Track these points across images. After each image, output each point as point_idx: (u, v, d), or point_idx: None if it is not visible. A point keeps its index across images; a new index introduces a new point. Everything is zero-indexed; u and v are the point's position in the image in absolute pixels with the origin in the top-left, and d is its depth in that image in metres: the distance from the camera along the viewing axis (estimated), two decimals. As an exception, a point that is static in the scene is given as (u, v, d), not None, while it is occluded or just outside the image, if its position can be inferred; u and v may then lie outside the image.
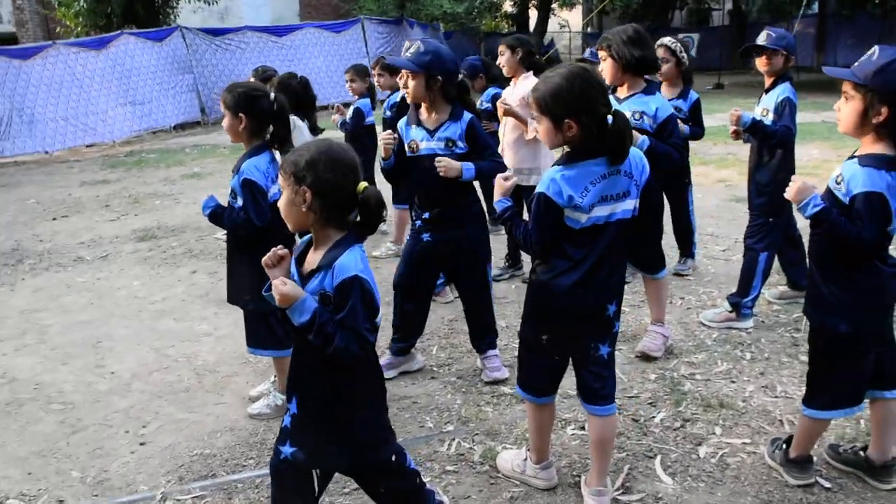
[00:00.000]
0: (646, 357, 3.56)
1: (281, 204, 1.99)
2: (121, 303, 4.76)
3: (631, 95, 3.41)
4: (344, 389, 1.95)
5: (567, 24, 25.06)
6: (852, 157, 2.28)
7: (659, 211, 3.66)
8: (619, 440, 2.85)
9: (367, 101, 5.66)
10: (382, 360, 3.45)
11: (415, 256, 3.43)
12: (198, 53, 15.53)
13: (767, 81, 3.79)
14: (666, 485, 2.58)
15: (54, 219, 7.30)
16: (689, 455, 2.75)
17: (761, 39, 3.70)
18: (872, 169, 2.18)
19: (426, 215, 3.35)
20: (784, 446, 2.61)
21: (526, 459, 2.63)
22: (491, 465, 2.73)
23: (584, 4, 24.22)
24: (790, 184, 2.33)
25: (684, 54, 4.45)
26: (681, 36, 3.85)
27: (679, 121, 3.88)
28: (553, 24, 24.73)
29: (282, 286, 1.83)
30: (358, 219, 1.97)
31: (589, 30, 27.22)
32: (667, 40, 4.52)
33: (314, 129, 4.55)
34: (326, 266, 1.88)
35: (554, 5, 21.19)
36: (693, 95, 4.53)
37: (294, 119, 4.44)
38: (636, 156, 2.33)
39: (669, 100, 4.49)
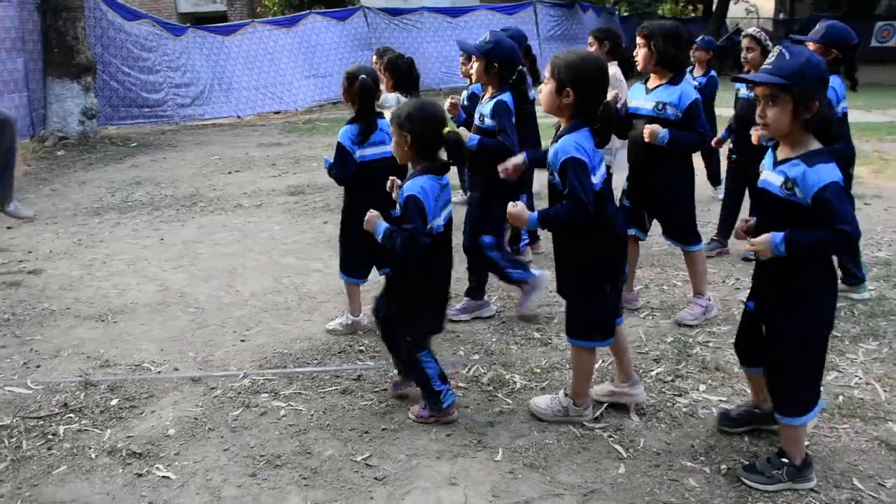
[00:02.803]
0: (679, 324, 3.92)
1: (392, 144, 2.95)
2: (259, 241, 5.79)
3: (658, 86, 3.76)
4: (401, 282, 2.98)
5: (755, 9, 23.77)
6: (785, 161, 2.38)
7: (678, 186, 3.86)
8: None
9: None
10: (458, 305, 4.11)
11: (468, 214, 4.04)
12: (377, 32, 16.84)
13: None
14: (632, 421, 3.01)
15: (229, 173, 8.66)
16: (666, 403, 3.15)
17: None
18: (823, 164, 2.28)
19: (467, 175, 3.98)
20: None
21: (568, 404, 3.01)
22: (495, 387, 3.30)
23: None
24: (758, 244, 2.36)
25: (769, 43, 4.64)
26: (880, 24, 4.07)
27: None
28: (740, 10, 23.61)
29: (367, 217, 2.87)
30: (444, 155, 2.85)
31: (781, 16, 25.64)
32: (752, 30, 4.76)
33: None
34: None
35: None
36: None
37: (398, 96, 5.14)
38: None
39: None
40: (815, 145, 2.38)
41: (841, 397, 3.16)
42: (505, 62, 3.72)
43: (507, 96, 3.75)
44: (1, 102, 9.68)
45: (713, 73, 6.27)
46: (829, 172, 2.28)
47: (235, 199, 7.25)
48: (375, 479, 2.67)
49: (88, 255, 5.49)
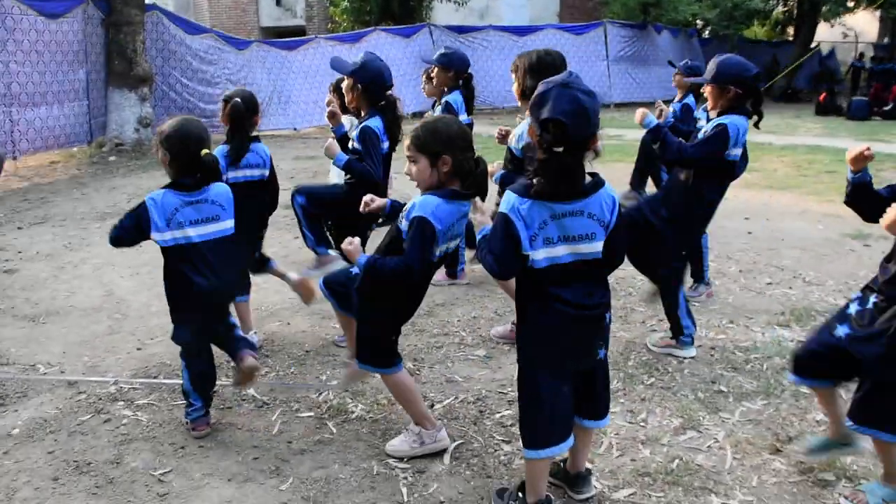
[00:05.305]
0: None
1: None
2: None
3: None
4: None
5: (853, 32, 22.32)
6: None
7: None
8: (447, 423, 3.23)
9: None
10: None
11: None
12: (442, 49, 17.03)
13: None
14: (440, 465, 2.93)
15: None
16: (488, 448, 3.05)
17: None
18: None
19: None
20: None
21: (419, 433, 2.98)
22: (330, 415, 3.31)
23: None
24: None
25: None
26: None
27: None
28: (836, 33, 22.27)
29: None
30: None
31: (885, 40, 24.00)
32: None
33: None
34: None
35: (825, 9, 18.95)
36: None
37: (351, 119, 5.19)
38: None
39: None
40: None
41: (678, 461, 2.95)
42: (367, 84, 3.73)
43: (374, 121, 3.75)
44: (62, 110, 10.55)
45: (687, 100, 5.93)
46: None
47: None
48: (158, 494, 2.75)
49: (67, 258, 5.88)
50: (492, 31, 17.78)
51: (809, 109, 17.79)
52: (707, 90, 3.66)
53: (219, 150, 3.79)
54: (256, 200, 3.94)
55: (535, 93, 2.31)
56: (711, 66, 3.61)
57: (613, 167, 9.65)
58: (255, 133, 3.92)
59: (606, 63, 18.22)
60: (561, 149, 2.25)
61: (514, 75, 3.64)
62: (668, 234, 3.62)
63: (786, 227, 6.70)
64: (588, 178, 2.36)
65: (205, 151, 2.95)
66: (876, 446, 2.67)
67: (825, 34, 21.10)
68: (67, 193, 8.54)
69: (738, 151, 3.58)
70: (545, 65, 3.49)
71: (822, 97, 16.67)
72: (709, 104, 3.70)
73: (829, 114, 16.25)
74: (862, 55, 21.87)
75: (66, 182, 9.29)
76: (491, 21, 20.58)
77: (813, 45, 20.05)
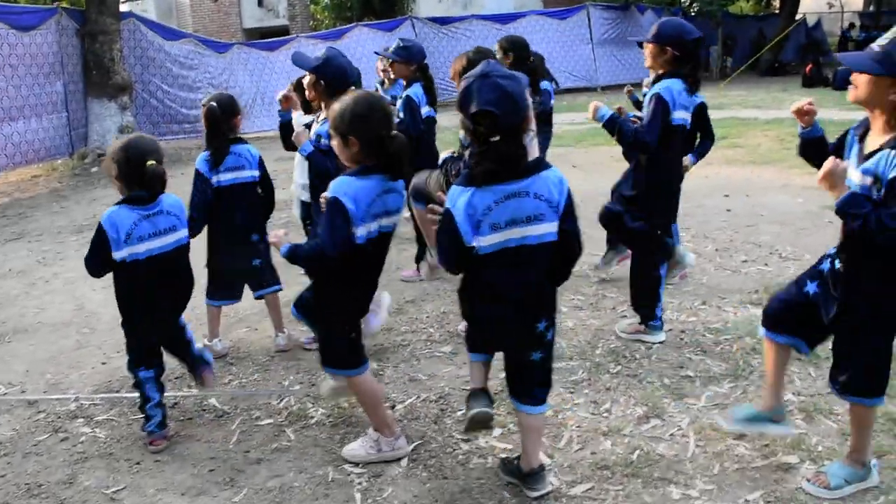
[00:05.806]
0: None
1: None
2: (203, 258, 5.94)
3: None
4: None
5: (839, 1, 22.08)
6: None
7: None
8: (406, 423, 3.18)
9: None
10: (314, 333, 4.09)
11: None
12: (426, 41, 16.86)
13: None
14: (396, 468, 2.88)
15: (226, 188, 8.94)
16: (446, 448, 3.00)
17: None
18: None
19: None
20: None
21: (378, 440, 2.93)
22: (290, 421, 3.26)
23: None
24: None
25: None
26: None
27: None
28: (822, 4, 22.06)
29: None
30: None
31: (871, 8, 23.78)
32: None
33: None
34: None
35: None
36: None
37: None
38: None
39: None
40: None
41: (638, 452, 2.89)
42: (331, 80, 3.66)
43: None
44: (40, 123, 10.49)
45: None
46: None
47: (211, 216, 7.47)
48: (109, 514, 2.71)
49: (39, 273, 5.83)
50: (475, 21, 17.68)
51: (796, 82, 17.66)
52: (646, 50, 3.60)
53: (201, 156, 3.77)
54: (246, 203, 3.88)
55: (460, 89, 2.31)
56: (653, 27, 3.59)
57: (597, 150, 9.61)
58: (239, 135, 3.87)
59: (591, 46, 18.09)
60: (497, 137, 2.25)
61: (455, 83, 3.57)
62: (637, 218, 3.61)
63: (767, 203, 6.63)
64: (530, 161, 2.37)
65: (150, 162, 2.92)
66: (852, 416, 2.62)
67: (810, 5, 20.91)
68: (47, 207, 8.49)
69: (683, 115, 3.53)
70: (475, 63, 3.45)
71: (808, 69, 16.55)
72: (646, 62, 3.63)
73: (815, 85, 16.14)
74: (852, 25, 21.69)
75: (47, 196, 9.25)
76: (474, 10, 20.44)
77: (798, 16, 19.89)
